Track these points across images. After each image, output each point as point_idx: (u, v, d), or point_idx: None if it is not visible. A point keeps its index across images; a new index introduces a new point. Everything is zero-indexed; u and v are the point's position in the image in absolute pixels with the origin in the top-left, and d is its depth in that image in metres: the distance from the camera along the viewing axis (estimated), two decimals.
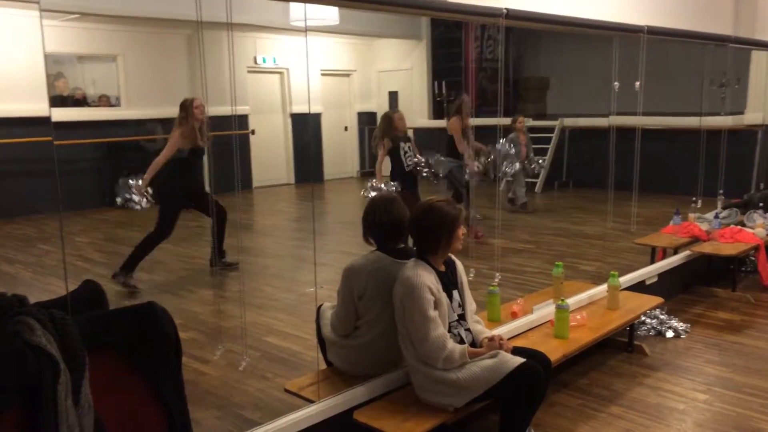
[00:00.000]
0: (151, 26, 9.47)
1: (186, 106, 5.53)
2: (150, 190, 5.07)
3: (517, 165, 7.20)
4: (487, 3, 3.24)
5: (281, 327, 4.46)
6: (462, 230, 2.82)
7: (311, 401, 2.80)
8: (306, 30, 3.05)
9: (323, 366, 3.25)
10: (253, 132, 10.81)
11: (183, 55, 10.21)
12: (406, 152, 6.19)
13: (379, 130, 6.36)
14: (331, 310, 3.23)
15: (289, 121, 11.72)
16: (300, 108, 11.79)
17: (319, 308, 3.33)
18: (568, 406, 3.37)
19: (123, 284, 5.21)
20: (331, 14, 8.87)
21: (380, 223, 2.99)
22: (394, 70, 12.84)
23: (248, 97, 10.75)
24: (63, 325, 1.75)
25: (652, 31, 4.26)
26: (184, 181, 5.59)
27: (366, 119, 13.16)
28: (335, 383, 2.97)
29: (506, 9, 3.20)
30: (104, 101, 9.81)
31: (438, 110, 12.29)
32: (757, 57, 8.07)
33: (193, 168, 5.66)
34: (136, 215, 8.81)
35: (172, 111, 9.89)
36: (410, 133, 11.77)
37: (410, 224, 2.86)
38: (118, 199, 5.15)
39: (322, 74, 12.12)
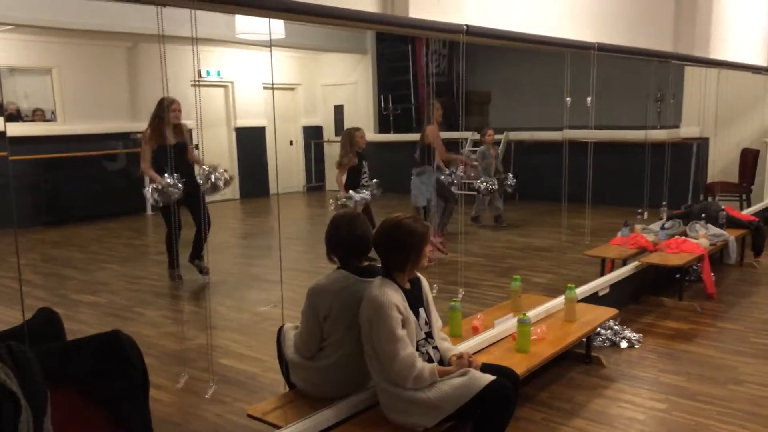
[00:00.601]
0: (88, 38, 9.18)
1: (163, 107, 5.57)
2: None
3: (495, 181, 7.26)
4: (439, 19, 3.25)
5: (236, 348, 4.33)
6: (429, 247, 2.80)
7: (277, 426, 2.71)
8: (271, 45, 2.98)
9: (285, 389, 3.17)
10: (197, 146, 10.57)
11: (122, 69, 9.94)
12: (364, 171, 6.21)
13: (342, 147, 6.35)
14: (293, 331, 3.16)
15: (234, 135, 11.54)
16: (245, 122, 11.63)
17: (280, 329, 3.24)
18: (532, 420, 3.37)
19: (175, 277, 5.79)
20: (276, 28, 8.80)
21: (343, 241, 2.94)
22: (339, 84, 12.82)
23: (191, 111, 10.51)
24: (23, 358, 1.64)
25: (602, 48, 4.36)
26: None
27: (311, 133, 13.09)
28: (300, 406, 2.89)
29: (466, 25, 3.22)
30: (39, 116, 9.44)
31: (384, 124, 12.32)
32: (691, 73, 8.41)
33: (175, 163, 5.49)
34: (74, 235, 8.52)
35: (112, 126, 9.64)
36: None
37: (377, 241, 2.82)
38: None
39: (266, 87, 12.00)
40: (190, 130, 6.19)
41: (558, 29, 4.10)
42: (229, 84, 11.29)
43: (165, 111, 5.53)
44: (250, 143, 11.70)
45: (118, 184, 9.77)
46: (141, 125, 10.01)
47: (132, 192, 9.92)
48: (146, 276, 6.47)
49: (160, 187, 4.94)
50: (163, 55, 2.52)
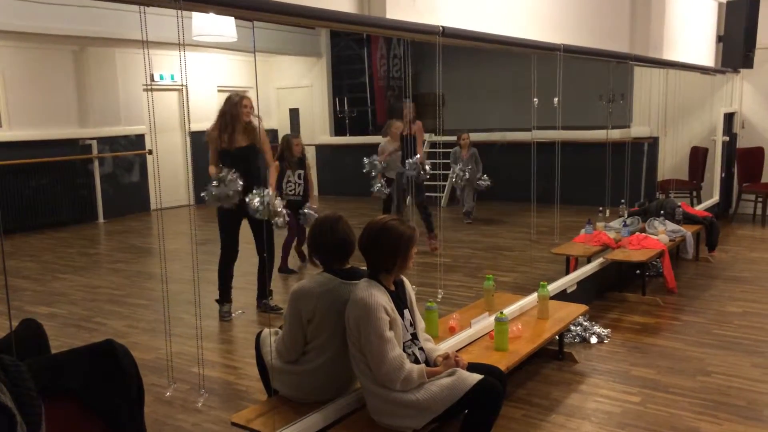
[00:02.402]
0: (32, 42, 8.87)
1: (234, 104, 4.89)
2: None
3: (466, 170, 7.35)
4: (415, 20, 3.26)
5: (208, 356, 4.24)
6: (415, 249, 2.79)
7: None
8: (255, 51, 2.93)
9: (264, 395, 3.12)
10: (149, 152, 10.36)
11: (69, 73, 9.65)
12: (290, 181, 6.23)
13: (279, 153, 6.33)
14: (272, 337, 3.10)
15: (188, 139, 11.31)
16: (199, 126, 11.41)
17: (258, 335, 3.19)
18: (512, 417, 3.40)
19: (223, 314, 5.04)
20: (229, 30, 8.67)
21: (326, 244, 2.91)
22: (293, 87, 12.72)
23: (144, 115, 10.30)
24: (16, 372, 1.56)
25: (567, 50, 4.44)
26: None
27: (268, 137, 12.93)
28: (285, 412, 2.84)
29: (442, 27, 3.23)
30: None
31: (340, 127, 12.29)
32: (640, 73, 8.64)
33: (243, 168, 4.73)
34: (24, 244, 8.21)
35: (60, 132, 9.34)
36: (312, 150, 11.72)
37: (363, 244, 2.79)
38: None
39: (219, 91, 11.82)
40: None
41: (526, 31, 4.16)
42: (183, 87, 11.07)
43: (237, 108, 4.85)
44: (205, 148, 11.47)
45: (68, 191, 9.47)
46: (90, 131, 9.79)
47: (83, 199, 9.66)
48: (104, 285, 6.28)
49: (216, 182, 4.40)
50: (147, 59, 2.42)
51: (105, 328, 4.87)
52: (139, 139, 10.39)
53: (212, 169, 4.90)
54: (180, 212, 10.87)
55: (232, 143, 4.93)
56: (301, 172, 6.33)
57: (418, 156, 5.72)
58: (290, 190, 6.28)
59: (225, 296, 5.10)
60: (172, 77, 10.44)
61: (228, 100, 4.98)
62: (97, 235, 9.32)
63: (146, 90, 10.37)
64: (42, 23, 8.32)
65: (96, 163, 9.79)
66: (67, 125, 9.62)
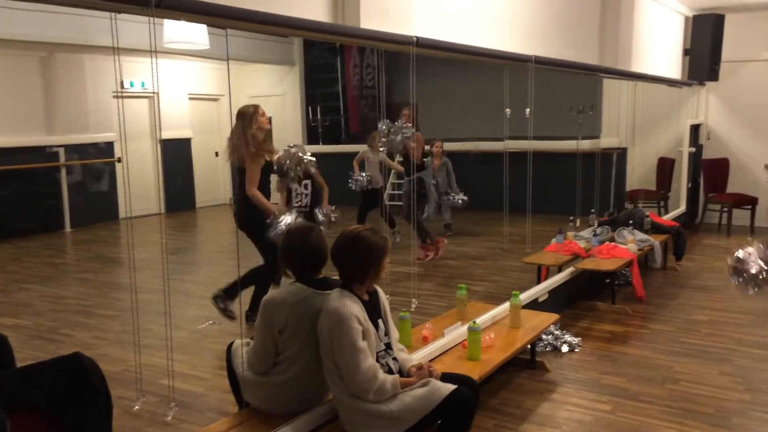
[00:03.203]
0: None
1: (250, 115, 4.65)
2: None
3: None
4: (389, 30, 3.27)
5: (177, 368, 4.16)
6: (387, 259, 2.79)
7: None
8: (228, 59, 2.91)
9: (236, 408, 3.08)
10: (119, 160, 10.21)
11: (36, 79, 9.48)
12: (298, 193, 6.08)
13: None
14: (243, 348, 3.07)
15: (159, 147, 11.19)
16: (170, 134, 11.32)
17: (229, 346, 3.15)
18: (485, 427, 3.40)
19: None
20: (201, 38, 8.61)
21: (299, 254, 2.89)
22: (266, 95, 12.65)
23: (114, 123, 10.16)
24: None
25: (539, 61, 4.50)
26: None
27: None
28: (256, 424, 2.81)
29: (416, 37, 3.25)
30: None
31: (313, 136, 12.26)
32: (609, 85, 8.78)
33: (266, 185, 4.74)
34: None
35: (26, 139, 9.15)
36: None
37: (335, 254, 2.78)
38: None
39: (190, 98, 11.74)
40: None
41: (499, 42, 4.20)
42: (153, 95, 10.95)
43: (254, 117, 4.61)
44: (176, 155, 11.39)
45: (34, 199, 9.28)
46: (57, 138, 9.61)
47: (50, 208, 9.47)
48: (71, 296, 6.16)
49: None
50: (118, 66, 2.37)
51: (72, 340, 4.78)
52: (108, 146, 10.24)
53: (258, 195, 4.61)
54: (149, 221, 10.73)
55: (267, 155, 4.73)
56: (308, 182, 6.09)
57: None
58: (297, 202, 6.03)
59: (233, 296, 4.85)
60: (143, 84, 10.32)
61: (243, 114, 4.70)
62: (63, 245, 9.15)
63: (116, 97, 10.24)
64: (8, 29, 8.16)
65: (63, 171, 9.62)
66: (33, 132, 9.44)
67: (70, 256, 8.65)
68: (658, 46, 7.43)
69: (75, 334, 4.91)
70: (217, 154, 12.61)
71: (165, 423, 3.39)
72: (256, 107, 4.70)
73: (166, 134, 11.25)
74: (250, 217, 4.71)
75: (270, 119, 12.61)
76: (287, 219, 4.49)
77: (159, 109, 10.94)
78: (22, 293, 6.17)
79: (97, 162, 10.09)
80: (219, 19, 2.39)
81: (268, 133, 4.80)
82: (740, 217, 8.66)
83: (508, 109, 4.45)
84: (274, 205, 4.87)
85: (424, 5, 3.59)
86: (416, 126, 6.77)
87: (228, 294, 4.83)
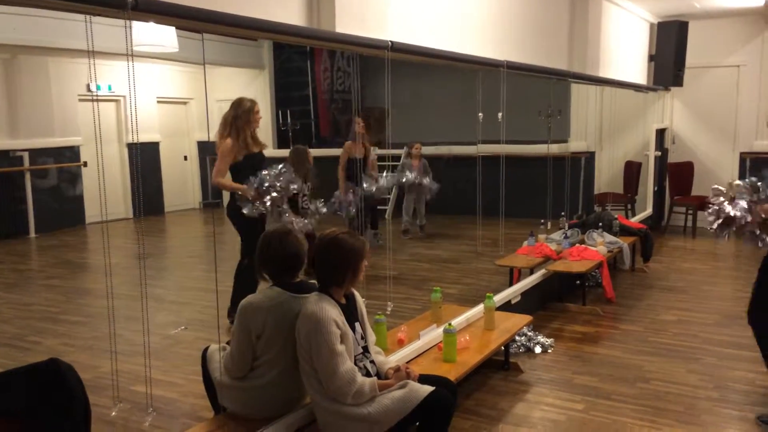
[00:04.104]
0: None
1: (246, 110, 4.72)
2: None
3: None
4: (364, 34, 3.28)
5: (149, 374, 4.11)
6: (365, 262, 2.79)
7: None
8: (204, 62, 2.89)
9: (211, 413, 3.06)
10: (85, 164, 10.04)
11: None
12: (305, 194, 5.97)
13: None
14: (219, 353, 3.04)
15: (126, 151, 11.04)
16: (138, 137, 11.16)
17: (204, 351, 3.13)
18: (461, 428, 3.43)
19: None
20: (170, 41, 8.53)
21: (275, 258, 2.88)
22: (235, 98, 12.57)
23: (80, 126, 9.99)
24: None
25: (511, 66, 4.55)
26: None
27: (207, 148, 12.74)
28: (234, 429, 2.79)
29: (391, 42, 3.26)
30: None
31: (283, 139, 12.20)
32: (576, 90, 8.92)
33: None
34: None
35: None
36: None
37: (314, 258, 2.78)
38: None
39: (159, 102, 11.60)
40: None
41: (472, 47, 4.24)
42: (121, 98, 10.80)
43: (249, 114, 4.69)
44: (144, 159, 11.23)
45: None
46: (21, 142, 9.41)
47: (13, 213, 9.26)
48: (37, 302, 6.03)
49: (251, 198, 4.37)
50: (93, 69, 2.34)
51: (40, 347, 4.68)
52: (74, 150, 10.06)
53: (226, 183, 4.70)
54: (117, 225, 10.59)
55: (253, 147, 4.78)
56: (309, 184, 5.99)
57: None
58: (305, 204, 5.91)
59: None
60: (110, 87, 10.17)
61: (239, 105, 4.78)
62: (28, 251, 8.96)
63: (83, 100, 10.08)
64: None
65: (27, 175, 9.42)
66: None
67: (35, 262, 8.47)
68: (624, 52, 7.57)
69: (43, 341, 4.81)
70: (185, 158, 12.49)
71: (141, 429, 3.35)
72: (254, 103, 4.78)
73: (134, 138, 11.10)
74: (231, 207, 4.75)
75: None
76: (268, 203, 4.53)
77: (135, 113, 10.79)
78: None
79: (62, 166, 9.90)
80: (194, 22, 2.38)
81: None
82: (705, 219, 8.83)
83: (480, 114, 4.49)
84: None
85: (399, 10, 3.61)
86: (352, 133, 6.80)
87: (234, 306, 4.79)
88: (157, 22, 2.38)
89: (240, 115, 4.69)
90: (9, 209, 9.25)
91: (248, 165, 4.68)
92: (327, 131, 11.93)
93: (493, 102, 4.82)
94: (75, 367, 4.09)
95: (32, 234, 9.41)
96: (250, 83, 12.36)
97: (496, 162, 5.13)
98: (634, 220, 7.85)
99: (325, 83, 11.69)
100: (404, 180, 7.87)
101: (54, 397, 1.69)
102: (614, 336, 4.88)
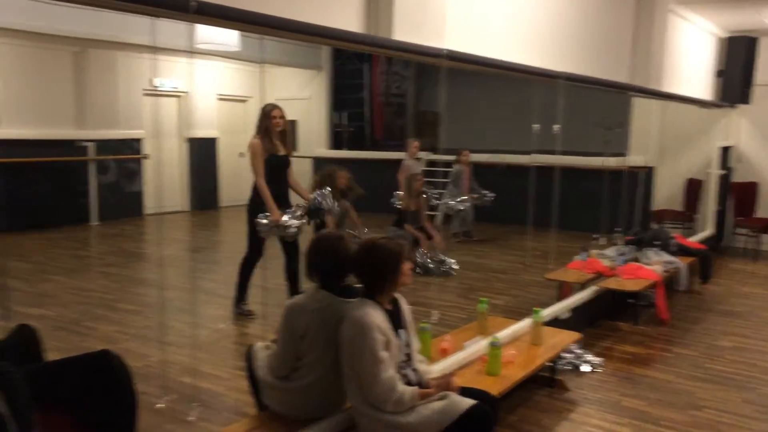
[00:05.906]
0: (32, 41, 8.84)
1: (266, 114, 5.01)
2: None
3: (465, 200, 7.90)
4: (421, 42, 3.28)
5: (197, 366, 4.20)
6: (408, 265, 2.78)
7: None
8: (263, 63, 2.93)
9: (254, 410, 3.09)
10: (146, 156, 10.34)
11: (69, 74, 9.62)
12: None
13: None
14: (264, 351, 3.08)
15: (186, 145, 11.32)
16: (197, 133, 11.44)
17: (249, 348, 3.17)
18: None
19: (240, 313, 5.23)
20: (232, 40, 8.70)
21: (327, 263, 2.90)
22: (292, 98, 12.73)
23: (143, 120, 10.29)
24: (9, 378, 1.54)
25: (569, 78, 4.48)
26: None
27: None
28: (274, 429, 2.82)
29: (447, 50, 3.25)
30: None
31: (337, 141, 12.31)
32: (638, 103, 8.71)
33: (275, 179, 5.00)
34: (15, 244, 8.15)
35: (56, 132, 9.29)
36: (309, 162, 11.75)
37: (354, 265, 2.79)
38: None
39: (219, 99, 11.85)
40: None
41: (529, 58, 4.19)
42: (183, 94, 11.08)
43: (268, 118, 4.96)
44: (202, 154, 11.50)
45: (61, 192, 9.41)
46: (87, 133, 9.75)
47: (76, 201, 9.60)
48: (95, 289, 6.24)
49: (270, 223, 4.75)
50: (155, 65, 2.39)
51: (95, 333, 4.83)
52: (137, 143, 10.37)
53: (264, 187, 4.94)
54: (175, 218, 10.87)
55: (277, 150, 5.08)
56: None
57: None
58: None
59: (244, 296, 5.30)
60: (172, 84, 10.46)
61: (263, 109, 5.11)
62: (89, 238, 9.27)
63: (147, 95, 10.39)
64: (43, 23, 8.32)
65: (91, 166, 9.75)
66: (63, 126, 9.57)
67: (95, 250, 8.76)
68: (690, 66, 7.36)
69: (98, 327, 4.97)
70: (242, 154, 12.71)
71: (185, 421, 3.42)
72: (273, 106, 5.06)
73: (193, 133, 11.38)
74: (251, 203, 5.05)
75: (295, 122, 12.74)
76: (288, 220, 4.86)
77: (188, 108, 11.06)
78: (46, 284, 6.26)
79: (125, 158, 10.21)
80: (255, 26, 2.41)
81: (284, 133, 5.10)
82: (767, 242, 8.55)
83: (536, 125, 4.43)
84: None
85: (456, 19, 3.59)
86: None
87: (239, 297, 5.28)
88: (218, 26, 2.42)
89: (263, 118, 5.02)
90: (72, 197, 9.59)
91: (270, 165, 4.99)
92: (381, 134, 11.96)
93: (549, 111, 4.76)
94: (126, 356, 4.21)
95: (94, 222, 9.74)
96: (308, 84, 12.51)
97: (550, 172, 5.05)
98: (694, 240, 7.61)
99: (381, 86, 11.73)
100: (462, 209, 7.90)
101: (103, 387, 1.74)
102: (667, 359, 4.74)
